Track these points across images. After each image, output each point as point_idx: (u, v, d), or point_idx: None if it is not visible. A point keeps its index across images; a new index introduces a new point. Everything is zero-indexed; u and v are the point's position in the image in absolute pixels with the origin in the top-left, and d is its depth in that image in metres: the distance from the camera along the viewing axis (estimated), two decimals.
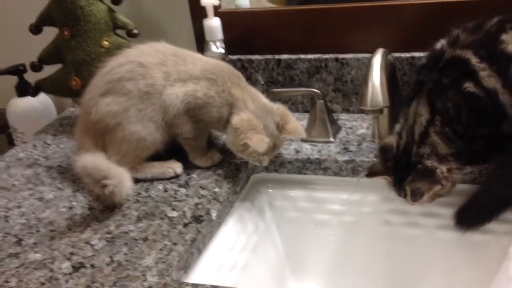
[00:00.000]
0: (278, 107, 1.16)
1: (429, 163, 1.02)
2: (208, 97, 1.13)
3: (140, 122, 1.13)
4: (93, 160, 1.07)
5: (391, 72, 1.16)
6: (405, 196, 1.06)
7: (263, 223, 1.26)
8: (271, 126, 1.13)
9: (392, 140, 1.10)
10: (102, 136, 1.16)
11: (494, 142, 1.04)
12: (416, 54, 1.27)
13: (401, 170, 1.06)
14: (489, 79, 1.00)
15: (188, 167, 1.20)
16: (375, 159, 1.16)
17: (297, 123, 1.16)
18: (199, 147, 1.20)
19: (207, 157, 1.20)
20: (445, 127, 1.01)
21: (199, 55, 1.21)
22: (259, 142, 1.08)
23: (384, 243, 1.23)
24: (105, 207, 1.10)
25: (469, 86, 1.00)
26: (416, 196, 1.02)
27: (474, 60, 1.00)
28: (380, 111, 1.10)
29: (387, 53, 1.13)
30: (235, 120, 1.11)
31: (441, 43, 1.07)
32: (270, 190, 1.28)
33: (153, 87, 1.13)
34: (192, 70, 1.15)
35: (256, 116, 1.11)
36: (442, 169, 1.01)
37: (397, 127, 1.09)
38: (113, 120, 1.14)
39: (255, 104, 1.13)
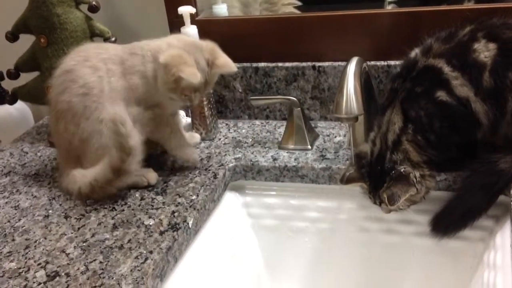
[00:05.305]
0: (207, 44, 1.15)
1: (402, 168, 1.03)
2: (141, 74, 1.12)
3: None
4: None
5: (366, 80, 1.17)
6: (380, 204, 1.07)
7: (240, 231, 1.26)
8: (201, 62, 1.11)
9: (366, 147, 1.11)
10: (79, 158, 1.16)
11: (467, 149, 1.06)
12: (392, 63, 1.28)
13: (376, 176, 1.06)
14: (462, 88, 1.01)
15: (166, 174, 1.20)
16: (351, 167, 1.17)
17: (227, 58, 1.14)
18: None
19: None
20: (417, 136, 1.02)
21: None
22: (192, 74, 1.06)
23: (361, 250, 1.24)
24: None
25: (441, 95, 1.01)
26: (393, 201, 1.02)
27: (446, 69, 1.02)
28: (355, 119, 1.10)
29: (362, 61, 1.14)
30: (164, 56, 1.08)
31: (415, 52, 1.08)
32: (247, 198, 1.28)
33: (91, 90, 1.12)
34: (114, 54, 1.14)
35: (186, 51, 1.10)
36: (415, 173, 1.02)
37: (372, 134, 1.10)
38: (80, 141, 1.13)
39: (181, 43, 1.12)
